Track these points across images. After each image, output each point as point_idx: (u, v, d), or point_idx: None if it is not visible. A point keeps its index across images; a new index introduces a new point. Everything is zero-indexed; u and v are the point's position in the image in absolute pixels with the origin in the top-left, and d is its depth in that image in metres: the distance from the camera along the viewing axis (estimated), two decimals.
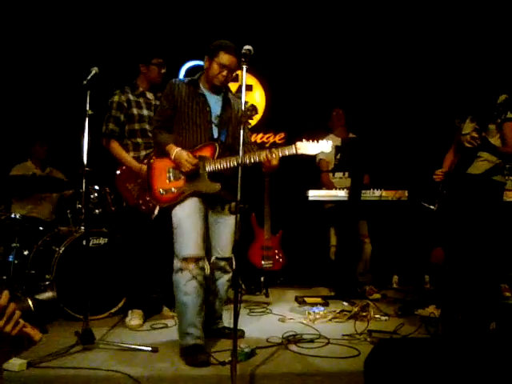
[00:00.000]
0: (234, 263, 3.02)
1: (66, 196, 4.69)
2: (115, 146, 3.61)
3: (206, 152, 2.93)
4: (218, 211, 3.07)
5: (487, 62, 3.41)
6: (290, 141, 3.10)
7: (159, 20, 5.21)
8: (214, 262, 3.04)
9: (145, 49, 3.77)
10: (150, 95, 3.73)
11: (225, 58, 2.90)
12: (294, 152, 2.80)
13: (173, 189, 2.92)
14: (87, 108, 2.94)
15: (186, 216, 2.86)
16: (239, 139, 2.69)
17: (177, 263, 2.83)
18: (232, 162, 2.82)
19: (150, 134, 3.59)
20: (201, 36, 5.14)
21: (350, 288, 4.48)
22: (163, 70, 3.70)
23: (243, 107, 2.64)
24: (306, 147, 2.81)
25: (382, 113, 5.42)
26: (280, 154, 2.80)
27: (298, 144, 2.81)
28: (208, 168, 2.88)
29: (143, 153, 3.60)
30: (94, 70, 2.98)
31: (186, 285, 2.79)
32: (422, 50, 5.34)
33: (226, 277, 3.13)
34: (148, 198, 3.50)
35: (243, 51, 2.55)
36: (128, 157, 3.59)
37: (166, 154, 2.95)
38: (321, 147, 2.82)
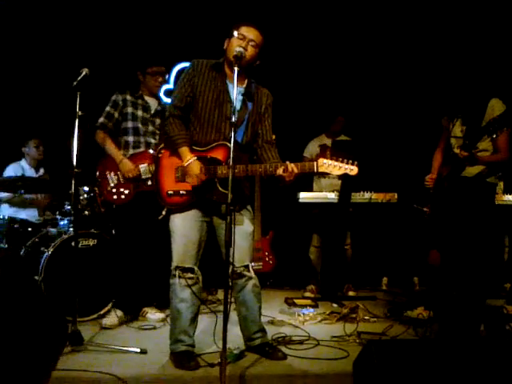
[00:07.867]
0: (251, 269, 2.83)
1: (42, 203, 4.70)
2: (102, 136, 3.64)
3: (218, 154, 2.69)
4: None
5: (475, 62, 3.43)
6: (279, 144, 3.05)
7: (151, 21, 5.20)
8: (233, 271, 2.69)
9: (139, 53, 3.77)
10: (150, 100, 3.75)
11: (244, 29, 2.66)
12: (315, 169, 2.59)
13: (181, 191, 2.71)
14: (77, 109, 2.92)
15: (182, 224, 2.73)
16: (258, 137, 2.71)
17: (172, 269, 2.76)
18: (247, 173, 2.63)
19: (141, 132, 3.65)
20: (192, 38, 5.17)
21: (335, 291, 4.54)
22: (160, 79, 3.71)
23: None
24: (328, 167, 2.60)
25: (372, 115, 5.45)
26: (299, 171, 2.60)
27: (321, 161, 2.60)
28: (220, 175, 2.64)
29: (131, 151, 3.65)
30: (85, 71, 2.96)
31: (182, 292, 2.73)
32: (411, 52, 5.37)
33: (251, 283, 2.82)
34: (122, 190, 3.57)
35: (235, 53, 2.51)
36: (113, 147, 3.63)
37: (177, 152, 2.73)
38: (346, 169, 2.61)
